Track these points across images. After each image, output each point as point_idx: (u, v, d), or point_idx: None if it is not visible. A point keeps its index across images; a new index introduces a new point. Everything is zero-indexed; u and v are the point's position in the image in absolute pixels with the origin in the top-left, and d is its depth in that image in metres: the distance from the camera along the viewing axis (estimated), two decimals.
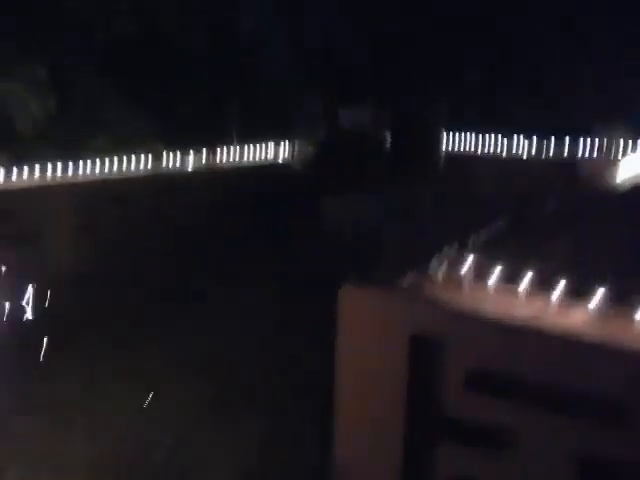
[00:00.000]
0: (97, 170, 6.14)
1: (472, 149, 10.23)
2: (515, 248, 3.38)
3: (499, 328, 2.49)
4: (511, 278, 2.75)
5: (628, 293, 2.49)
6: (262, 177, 7.77)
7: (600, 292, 2.51)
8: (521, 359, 2.45)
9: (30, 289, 5.88)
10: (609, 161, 8.68)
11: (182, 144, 6.97)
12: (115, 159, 6.33)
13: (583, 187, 7.68)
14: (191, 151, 7.02)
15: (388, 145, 8.86)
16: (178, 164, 6.79)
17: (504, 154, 9.95)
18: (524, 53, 11.62)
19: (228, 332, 5.64)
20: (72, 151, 6.30)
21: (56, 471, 4.33)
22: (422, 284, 2.78)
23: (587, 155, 9.12)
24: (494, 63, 11.66)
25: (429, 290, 2.73)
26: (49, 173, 5.90)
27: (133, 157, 6.47)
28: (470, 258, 2.88)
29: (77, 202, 5.77)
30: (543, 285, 2.67)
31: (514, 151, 9.81)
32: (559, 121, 9.62)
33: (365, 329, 2.75)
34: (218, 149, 7.44)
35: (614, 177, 7.23)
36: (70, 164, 5.93)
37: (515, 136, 9.63)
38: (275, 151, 8.38)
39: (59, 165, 5.79)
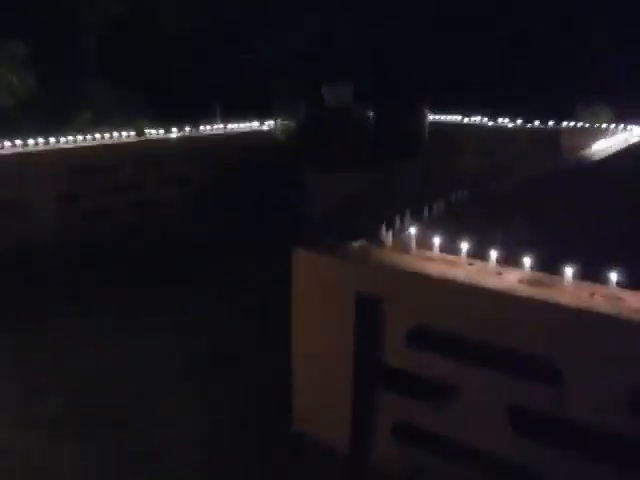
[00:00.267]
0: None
1: (457, 120, 10.35)
2: (466, 220, 3.61)
3: (437, 287, 2.73)
4: (456, 248, 2.95)
5: (560, 260, 2.70)
6: (248, 141, 8.05)
7: (529, 259, 2.74)
8: (458, 316, 2.68)
9: None
10: (591, 130, 8.87)
11: (165, 123, 7.17)
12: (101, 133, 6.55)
13: (562, 157, 7.81)
14: (174, 128, 7.21)
15: (371, 121, 9.01)
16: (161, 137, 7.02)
17: (490, 124, 10.06)
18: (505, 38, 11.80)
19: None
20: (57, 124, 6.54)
21: None
22: (369, 249, 3.02)
23: (570, 125, 9.28)
24: (481, 50, 11.82)
25: (374, 254, 2.97)
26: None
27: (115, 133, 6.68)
28: (416, 227, 3.12)
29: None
30: (484, 254, 2.88)
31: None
32: (543, 104, 9.81)
33: (315, 289, 2.97)
34: (201, 127, 7.66)
35: (592, 146, 7.37)
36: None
37: (500, 119, 9.79)
38: (260, 125, 8.58)
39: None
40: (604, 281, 2.52)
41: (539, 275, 2.67)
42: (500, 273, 2.70)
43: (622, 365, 2.27)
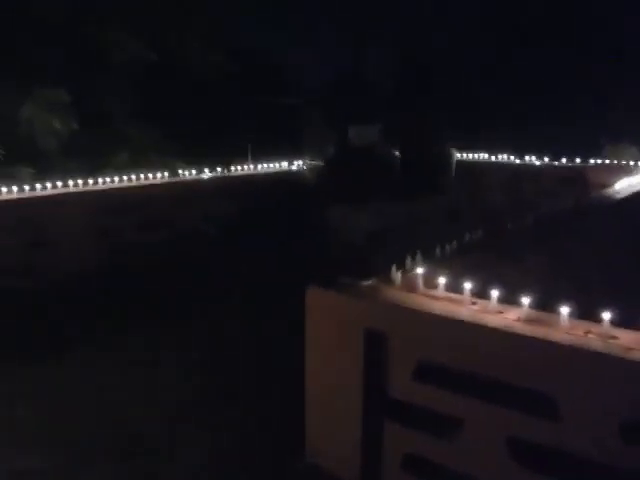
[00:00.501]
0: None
1: (485, 158, 10.50)
2: (475, 258, 3.75)
3: (442, 324, 2.87)
4: (461, 287, 3.10)
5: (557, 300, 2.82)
6: (277, 181, 8.36)
7: (528, 299, 2.86)
8: (462, 353, 2.82)
9: None
10: (615, 166, 8.93)
11: (198, 162, 7.51)
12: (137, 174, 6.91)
13: (585, 194, 7.87)
14: (206, 169, 7.54)
15: (397, 160, 9.23)
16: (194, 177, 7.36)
17: (517, 162, 10.18)
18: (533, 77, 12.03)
19: None
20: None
21: None
22: (378, 287, 3.19)
23: (597, 162, 9.36)
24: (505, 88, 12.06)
25: (383, 292, 3.14)
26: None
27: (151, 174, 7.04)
28: (425, 266, 3.29)
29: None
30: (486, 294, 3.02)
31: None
32: (571, 144, 9.92)
33: (327, 324, 3.13)
34: (232, 167, 7.98)
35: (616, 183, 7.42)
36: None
37: (527, 157, 9.90)
38: (289, 165, 8.88)
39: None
40: (600, 319, 2.63)
41: (538, 314, 2.79)
42: (501, 312, 2.83)
43: (614, 400, 2.38)
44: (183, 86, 8.44)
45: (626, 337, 2.52)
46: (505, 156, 10.20)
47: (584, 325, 2.65)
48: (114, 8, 7.65)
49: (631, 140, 9.97)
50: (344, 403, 3.10)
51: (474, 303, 2.94)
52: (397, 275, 3.24)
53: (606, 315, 2.58)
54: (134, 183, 6.76)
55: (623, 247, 5.23)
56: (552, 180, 9.42)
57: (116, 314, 5.26)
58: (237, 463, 3.32)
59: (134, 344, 4.83)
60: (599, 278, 4.28)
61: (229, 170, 7.92)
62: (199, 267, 6.36)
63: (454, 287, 3.10)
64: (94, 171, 6.67)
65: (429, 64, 12.65)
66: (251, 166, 8.39)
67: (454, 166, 9.85)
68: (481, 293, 3.01)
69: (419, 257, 3.49)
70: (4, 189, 5.84)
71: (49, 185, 6.13)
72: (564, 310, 2.67)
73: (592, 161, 9.31)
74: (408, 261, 3.44)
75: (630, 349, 2.42)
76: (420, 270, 3.19)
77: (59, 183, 6.23)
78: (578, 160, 9.41)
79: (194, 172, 7.49)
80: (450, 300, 2.99)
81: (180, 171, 7.34)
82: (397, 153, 9.19)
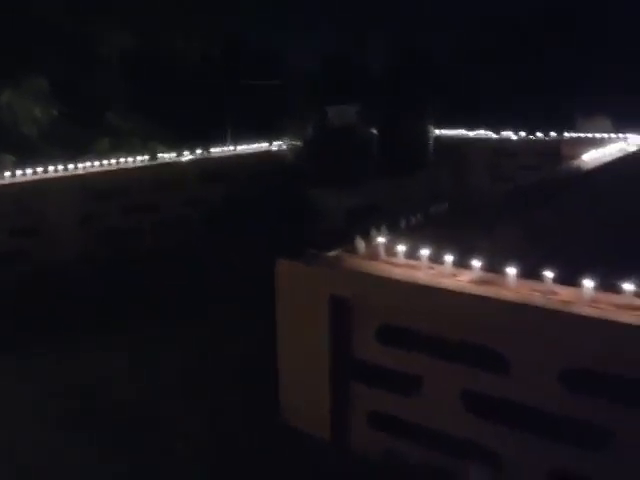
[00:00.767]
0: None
1: (462, 134, 10.69)
2: (438, 230, 3.94)
3: (400, 288, 3.07)
4: (421, 255, 3.29)
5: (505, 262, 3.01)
6: (257, 161, 8.50)
7: (479, 262, 3.06)
8: (420, 314, 3.02)
9: None
10: (590, 140, 9.14)
11: (178, 147, 7.64)
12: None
13: (558, 166, 8.06)
14: (185, 152, 7.67)
15: (376, 138, 9.37)
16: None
17: (494, 137, 10.37)
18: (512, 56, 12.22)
19: None
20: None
21: None
22: (343, 257, 3.38)
23: (571, 136, 9.58)
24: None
25: (348, 261, 3.34)
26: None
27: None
28: (388, 237, 3.49)
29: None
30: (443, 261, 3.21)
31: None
32: (546, 120, 10.12)
33: (296, 293, 3.32)
34: (211, 149, 8.11)
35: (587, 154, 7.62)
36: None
37: (503, 132, 10.09)
38: (268, 145, 9.02)
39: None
40: (544, 279, 2.84)
41: (490, 275, 3.00)
42: (455, 275, 3.04)
43: (554, 351, 2.60)
44: (164, 72, 8.54)
45: (565, 293, 2.73)
46: (482, 132, 10.39)
47: (529, 284, 2.86)
48: None
49: (607, 113, 10.19)
50: (314, 366, 3.31)
51: (431, 268, 3.14)
52: (361, 245, 3.43)
53: (548, 274, 2.79)
54: (114, 167, 6.87)
55: (590, 216, 5.46)
56: (530, 155, 9.60)
57: (101, 304, 5.28)
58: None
59: (117, 334, 4.74)
60: (563, 244, 4.50)
61: (208, 152, 8.05)
62: (185, 254, 6.42)
63: (414, 255, 3.30)
64: (76, 157, 6.78)
65: (421, 49, 12.77)
66: (230, 147, 8.51)
67: (432, 141, 10.01)
68: (438, 259, 3.21)
69: (384, 228, 3.68)
70: None
71: (30, 171, 6.23)
72: (511, 271, 2.88)
73: (566, 134, 9.51)
74: (373, 232, 3.63)
75: (567, 302, 2.63)
76: (382, 239, 3.38)
77: (39, 169, 6.33)
78: (553, 134, 9.61)
79: (174, 155, 7.61)
80: (409, 266, 3.19)
81: (160, 154, 7.46)
82: (374, 131, 9.33)
